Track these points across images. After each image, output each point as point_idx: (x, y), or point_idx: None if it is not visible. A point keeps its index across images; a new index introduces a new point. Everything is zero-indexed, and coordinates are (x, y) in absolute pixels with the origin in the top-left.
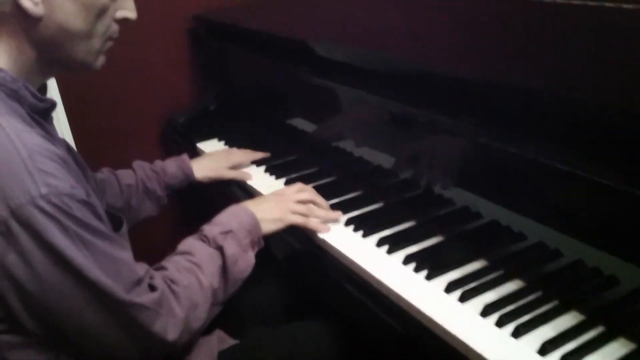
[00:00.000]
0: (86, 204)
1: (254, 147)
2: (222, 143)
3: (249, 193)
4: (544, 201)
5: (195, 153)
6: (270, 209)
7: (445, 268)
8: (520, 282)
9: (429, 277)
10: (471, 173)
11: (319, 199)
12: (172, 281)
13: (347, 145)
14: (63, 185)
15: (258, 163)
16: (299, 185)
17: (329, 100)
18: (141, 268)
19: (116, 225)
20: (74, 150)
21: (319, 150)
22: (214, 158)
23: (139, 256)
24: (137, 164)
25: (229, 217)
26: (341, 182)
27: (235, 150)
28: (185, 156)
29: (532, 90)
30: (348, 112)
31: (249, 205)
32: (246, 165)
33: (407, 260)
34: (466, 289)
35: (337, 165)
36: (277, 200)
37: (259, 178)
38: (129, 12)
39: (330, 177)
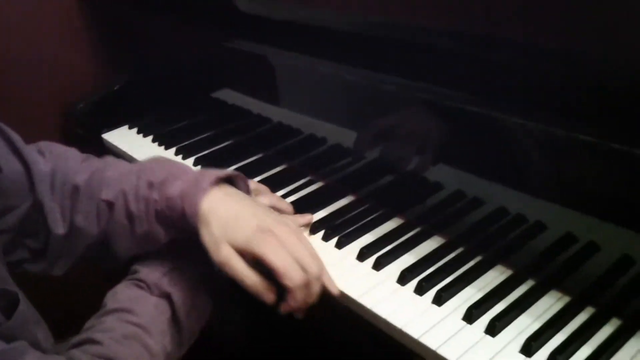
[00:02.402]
0: None
1: (174, 131)
2: (134, 131)
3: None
4: (456, 144)
5: (101, 145)
6: None
7: (356, 233)
8: (439, 239)
9: (339, 245)
10: (370, 117)
11: (281, 201)
12: None
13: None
14: None
15: (184, 154)
16: (251, 185)
17: (262, 69)
18: None
19: (8, 306)
20: None
21: (259, 127)
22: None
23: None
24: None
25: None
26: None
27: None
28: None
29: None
30: (290, 81)
31: None
32: None
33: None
34: (380, 254)
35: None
36: None
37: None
38: None
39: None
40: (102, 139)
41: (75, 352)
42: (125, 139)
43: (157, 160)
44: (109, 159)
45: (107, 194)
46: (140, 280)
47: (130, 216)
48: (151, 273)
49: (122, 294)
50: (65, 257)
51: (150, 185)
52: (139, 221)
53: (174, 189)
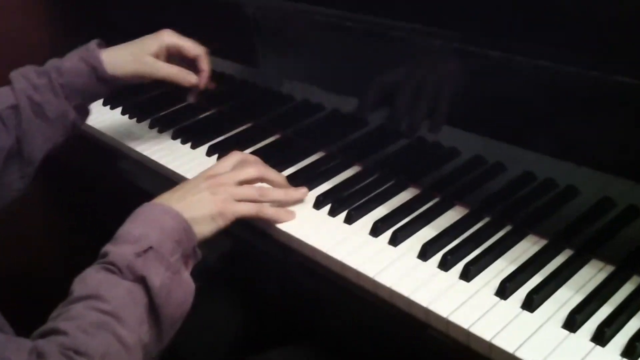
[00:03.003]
0: None
1: (146, 101)
2: (99, 102)
3: (152, 171)
4: (473, 100)
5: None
6: (203, 201)
7: (367, 206)
8: (461, 209)
9: (348, 220)
10: (373, 74)
11: (271, 172)
12: (79, 352)
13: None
14: None
15: (139, 117)
16: (236, 156)
17: (244, 24)
18: (18, 350)
19: None
20: None
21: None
22: (139, 45)
23: None
24: (17, 72)
25: (143, 226)
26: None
27: (167, 32)
28: (92, 42)
29: None
30: (279, 36)
31: (169, 200)
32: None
33: None
34: (396, 227)
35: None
36: (209, 187)
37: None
38: None
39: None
40: None
41: (40, 342)
42: (105, 119)
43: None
44: None
45: (8, 101)
46: (111, 264)
47: (37, 107)
48: (123, 254)
49: (91, 279)
50: None
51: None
52: (47, 105)
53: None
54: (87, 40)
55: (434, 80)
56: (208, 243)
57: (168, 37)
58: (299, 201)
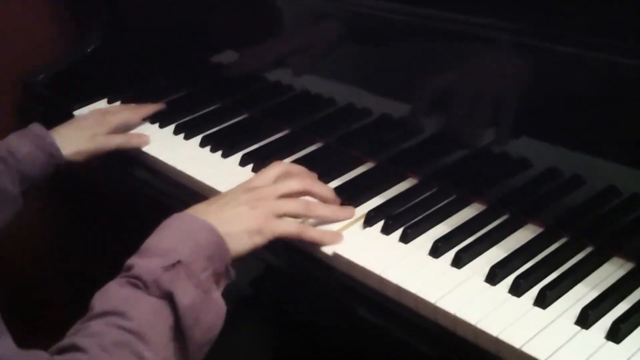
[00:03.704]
0: None
1: (169, 105)
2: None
3: (165, 176)
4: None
5: None
6: (241, 215)
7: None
8: (533, 228)
9: (404, 239)
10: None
11: (318, 185)
12: None
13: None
14: None
15: (161, 122)
16: (279, 167)
17: (275, 19)
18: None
19: None
20: None
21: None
22: (83, 123)
23: None
24: None
25: (173, 238)
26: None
27: (113, 107)
28: (38, 127)
29: None
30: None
31: (204, 213)
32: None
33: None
34: (460, 247)
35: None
36: (249, 200)
37: (168, 145)
38: None
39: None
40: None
41: (58, 358)
42: None
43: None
44: None
45: None
46: (136, 277)
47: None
48: (149, 267)
49: (113, 293)
50: None
51: None
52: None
53: None
54: (96, 36)
55: (502, 81)
56: (237, 264)
57: (116, 117)
58: (347, 219)
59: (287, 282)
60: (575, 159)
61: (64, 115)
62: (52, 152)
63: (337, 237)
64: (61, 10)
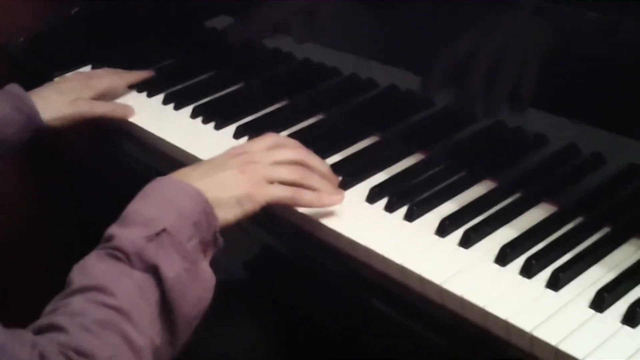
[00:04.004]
0: None
1: (158, 72)
2: None
3: (154, 148)
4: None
5: None
6: (230, 180)
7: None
8: (548, 207)
9: (410, 217)
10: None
11: (313, 158)
12: (80, 353)
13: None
14: None
15: (149, 91)
16: (271, 138)
17: None
18: (21, 344)
19: None
20: None
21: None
22: (65, 86)
23: None
24: None
25: (156, 205)
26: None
27: (98, 71)
28: (16, 88)
29: None
30: None
31: (188, 176)
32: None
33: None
34: (468, 227)
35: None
36: (239, 164)
37: (157, 115)
38: None
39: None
40: None
41: (41, 340)
42: None
43: None
44: None
45: None
46: (117, 249)
47: None
48: (131, 238)
49: (93, 267)
50: None
51: None
52: None
53: None
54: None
55: (519, 50)
56: (229, 248)
57: (101, 82)
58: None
59: (283, 266)
60: (594, 136)
61: (42, 82)
62: (30, 114)
63: (336, 197)
64: None
